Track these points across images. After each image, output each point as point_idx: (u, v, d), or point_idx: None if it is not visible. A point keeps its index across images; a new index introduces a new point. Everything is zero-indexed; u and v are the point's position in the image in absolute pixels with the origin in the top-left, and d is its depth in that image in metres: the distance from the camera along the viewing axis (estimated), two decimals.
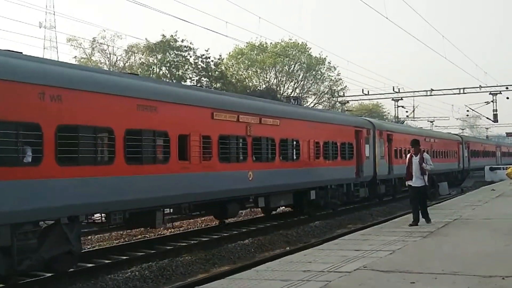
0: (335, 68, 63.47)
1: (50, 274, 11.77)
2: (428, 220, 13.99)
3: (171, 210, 16.76)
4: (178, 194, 14.29)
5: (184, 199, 14.84)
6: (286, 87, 61.31)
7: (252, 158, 17.39)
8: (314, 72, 62.41)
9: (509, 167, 42.53)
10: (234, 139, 16.78)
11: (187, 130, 14.52)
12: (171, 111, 14.14)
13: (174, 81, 42.57)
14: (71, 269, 12.20)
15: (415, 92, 51.91)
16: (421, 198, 14.04)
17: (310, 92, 63.79)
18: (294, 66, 61.00)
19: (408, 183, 14.09)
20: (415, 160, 13.72)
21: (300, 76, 61.97)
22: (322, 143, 22.07)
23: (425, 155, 13.92)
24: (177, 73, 48.24)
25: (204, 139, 15.16)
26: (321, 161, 21.88)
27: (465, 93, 48.34)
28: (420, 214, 13.94)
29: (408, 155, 14.13)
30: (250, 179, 17.11)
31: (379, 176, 27.94)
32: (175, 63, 48.89)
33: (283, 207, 23.49)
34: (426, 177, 13.79)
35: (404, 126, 45.93)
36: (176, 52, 48.69)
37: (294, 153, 20.27)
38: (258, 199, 18.37)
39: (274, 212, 23.02)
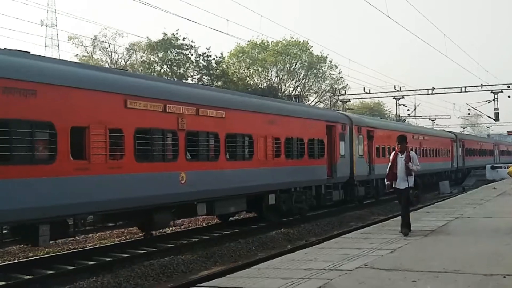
0: (336, 67, 63.57)
1: (51, 272, 11.80)
2: (405, 228, 11.93)
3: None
4: (72, 203, 11.30)
5: (80, 209, 11.69)
6: (287, 85, 61.35)
7: (185, 156, 14.48)
8: (315, 71, 62.42)
9: (511, 166, 42.54)
10: (158, 133, 13.72)
11: (85, 121, 11.63)
12: (59, 97, 11.15)
13: (175, 79, 42.54)
14: (72, 267, 12.22)
15: (416, 91, 51.94)
16: (404, 202, 12.09)
17: (311, 91, 63.85)
18: (296, 64, 60.99)
19: (388, 183, 12.22)
20: (401, 158, 11.93)
21: (302, 75, 61.98)
22: (284, 140, 19.20)
23: (412, 153, 12.13)
24: (178, 71, 48.26)
25: (113, 133, 12.24)
26: (282, 160, 19.04)
27: (467, 91, 48.34)
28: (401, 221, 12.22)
29: (393, 153, 12.35)
30: (182, 182, 14.21)
31: (357, 177, 25.43)
32: (177, 61, 48.91)
33: (241, 214, 21.21)
34: (411, 179, 11.92)
35: (388, 121, 42.77)
36: (178, 51, 48.72)
37: (246, 151, 17.46)
38: (198, 205, 15.38)
39: (232, 219, 20.88)
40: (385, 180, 12.33)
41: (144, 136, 13.08)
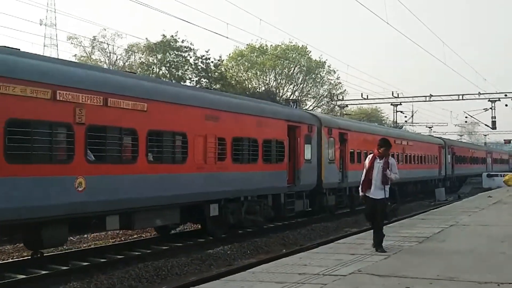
0: (334, 72, 63.59)
1: (45, 272, 11.77)
2: (379, 245, 10.48)
3: None
4: None
5: None
6: (285, 89, 61.37)
7: (85, 157, 11.62)
8: (313, 75, 62.47)
9: (507, 174, 42.68)
10: (43, 127, 10.85)
11: None
12: None
13: (173, 81, 42.54)
14: (67, 267, 12.19)
15: (414, 98, 52.01)
16: (379, 216, 10.51)
17: (309, 95, 63.87)
18: (294, 69, 61.04)
19: (362, 193, 10.63)
20: (378, 164, 10.36)
21: (300, 79, 62.03)
22: (231, 140, 16.43)
23: (391, 160, 10.61)
24: (176, 73, 48.26)
25: None
26: (227, 164, 16.27)
27: (464, 99, 48.43)
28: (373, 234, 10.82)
29: (370, 157, 10.68)
30: (80, 189, 11.43)
31: (327, 185, 22.80)
32: (175, 64, 48.91)
33: (185, 226, 19.49)
34: (387, 188, 10.39)
35: (365, 123, 38.26)
36: (176, 53, 48.71)
37: (178, 152, 14.63)
38: (107, 218, 12.54)
39: (173, 232, 18.35)
40: (360, 188, 10.68)
41: (21, 130, 10.40)
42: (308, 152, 21.20)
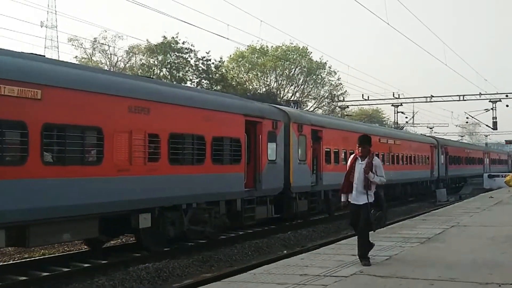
0: (335, 73, 63.65)
1: (46, 274, 11.77)
2: (365, 258, 9.16)
3: None
4: None
5: None
6: (286, 90, 61.40)
7: None
8: (314, 77, 62.49)
9: (508, 175, 42.66)
10: None
11: None
12: None
13: (174, 82, 42.56)
14: (68, 269, 12.19)
15: (415, 98, 52.06)
16: (362, 223, 9.10)
17: (310, 96, 63.88)
18: (295, 70, 61.08)
19: (344, 199, 9.39)
20: (360, 165, 9.08)
21: (301, 80, 62.05)
22: (167, 137, 13.73)
23: (376, 160, 9.24)
24: (177, 74, 48.28)
25: None
26: (162, 165, 13.61)
27: (465, 100, 48.49)
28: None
29: (351, 157, 9.45)
30: None
31: (297, 188, 20.15)
32: (176, 65, 48.93)
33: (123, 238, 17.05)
34: (371, 193, 9.10)
35: (344, 120, 34.34)
36: (177, 54, 48.75)
37: (88, 151, 12.10)
38: None
39: (110, 244, 15.85)
40: (340, 191, 9.47)
41: None
42: (272, 152, 18.62)
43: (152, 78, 34.01)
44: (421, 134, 51.66)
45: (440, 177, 41.79)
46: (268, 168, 18.33)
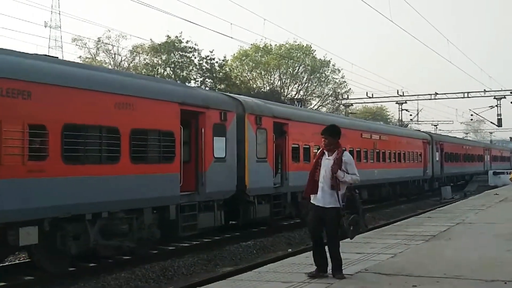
0: (339, 71, 63.52)
1: (51, 273, 11.79)
2: (338, 271, 7.78)
3: None
4: None
5: None
6: (290, 89, 61.33)
7: None
8: (318, 75, 62.41)
9: None
10: None
11: None
12: None
13: (178, 81, 42.60)
14: (73, 268, 12.22)
15: (419, 96, 51.98)
16: (330, 230, 7.76)
17: (314, 95, 63.80)
18: (299, 68, 61.00)
19: (311, 199, 7.92)
20: (327, 161, 7.74)
21: (304, 78, 61.97)
22: (60, 130, 10.94)
23: (346, 156, 7.86)
24: (181, 74, 48.32)
25: None
26: (52, 165, 10.80)
27: (470, 97, 48.35)
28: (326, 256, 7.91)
29: (318, 153, 8.20)
30: None
31: (254, 190, 17.35)
32: (180, 64, 48.97)
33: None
34: (341, 194, 7.65)
35: (316, 112, 29.86)
36: (181, 53, 48.78)
37: None
38: None
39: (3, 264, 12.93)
40: (304, 192, 8.11)
41: None
42: (220, 148, 15.83)
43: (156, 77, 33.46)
44: (416, 129, 49.27)
45: (435, 175, 39.01)
46: (214, 168, 15.44)
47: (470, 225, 14.55)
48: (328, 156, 7.77)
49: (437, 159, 39.69)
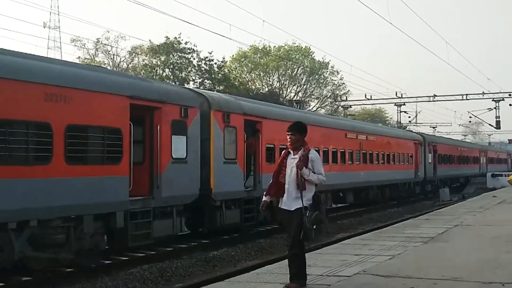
0: (338, 73, 63.67)
1: (49, 274, 11.78)
2: (299, 277, 7.22)
3: None
4: None
5: None
6: (289, 90, 61.46)
7: None
8: (317, 76, 62.53)
9: (511, 174, 42.64)
10: None
11: None
12: None
13: (177, 83, 42.59)
14: (71, 269, 12.22)
15: (418, 98, 52.02)
16: (293, 231, 7.04)
17: (313, 96, 63.93)
18: (297, 69, 61.10)
19: (265, 198, 7.42)
20: (292, 160, 7.16)
21: (303, 80, 62.07)
22: None
23: (313, 153, 7.21)
24: (180, 75, 48.36)
25: None
26: None
27: (468, 99, 48.42)
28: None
29: (283, 152, 7.52)
30: None
31: (221, 195, 15.92)
32: (179, 65, 49.03)
33: None
34: (308, 195, 7.06)
35: (294, 109, 25.95)
36: (180, 54, 48.85)
37: None
38: None
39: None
40: (264, 194, 7.49)
41: None
42: (180, 148, 14.38)
43: (155, 78, 33.40)
44: (407, 130, 47.55)
45: (427, 178, 37.79)
46: (172, 169, 13.99)
47: (468, 227, 14.56)
48: (294, 155, 7.20)
49: (430, 161, 38.55)
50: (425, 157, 37.29)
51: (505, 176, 45.05)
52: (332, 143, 23.58)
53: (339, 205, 27.61)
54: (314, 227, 6.95)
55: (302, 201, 6.95)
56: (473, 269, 8.57)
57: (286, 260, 9.19)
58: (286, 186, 7.10)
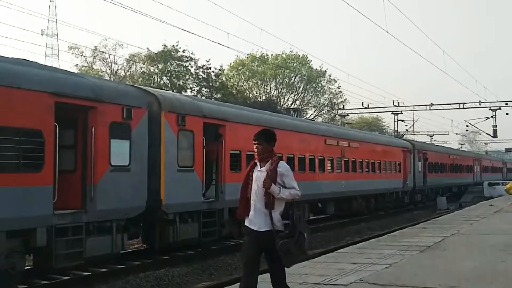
0: (335, 81, 63.83)
1: (45, 282, 11.74)
2: None
3: None
4: None
5: None
6: (286, 98, 61.51)
7: None
8: (314, 85, 62.64)
9: (508, 183, 42.71)
10: None
11: None
12: None
13: (175, 91, 42.63)
14: (67, 277, 12.17)
15: (415, 106, 52.12)
16: (274, 257, 5.92)
17: (310, 104, 64.03)
18: (295, 78, 61.23)
19: (245, 222, 6.19)
20: (260, 174, 6.14)
21: (301, 88, 62.17)
22: None
23: (282, 166, 6.14)
24: (177, 83, 48.41)
25: None
26: None
27: (465, 108, 48.53)
28: None
29: (250, 164, 6.47)
30: None
31: (175, 207, 14.03)
32: (176, 73, 49.07)
33: None
34: (278, 214, 5.96)
35: (264, 112, 21.96)
36: (177, 62, 48.91)
37: None
38: None
39: None
40: (238, 213, 6.40)
41: None
42: (121, 154, 12.48)
43: (152, 86, 33.32)
44: (393, 136, 45.44)
45: (417, 187, 36.20)
46: (111, 178, 12.14)
47: (465, 236, 14.57)
48: (261, 167, 6.17)
49: (420, 169, 37.10)
50: (414, 165, 35.87)
51: (502, 185, 45.14)
52: (309, 150, 21.98)
53: (319, 216, 26.10)
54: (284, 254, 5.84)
55: (272, 222, 5.89)
56: (469, 277, 8.57)
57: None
58: (253, 202, 6.08)
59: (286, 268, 6.06)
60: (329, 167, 24.14)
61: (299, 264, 10.54)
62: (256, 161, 6.32)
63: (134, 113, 12.88)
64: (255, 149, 6.27)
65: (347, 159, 25.70)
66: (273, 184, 5.97)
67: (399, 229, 18.64)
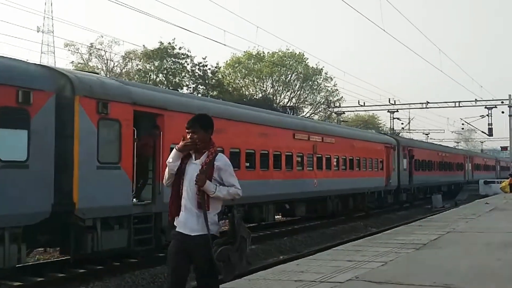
0: (331, 79, 63.86)
1: (40, 279, 11.72)
2: None
3: None
4: None
5: None
6: (282, 96, 61.56)
7: None
8: (310, 82, 62.69)
9: (503, 181, 42.86)
10: None
11: None
12: None
13: (171, 88, 42.56)
14: (63, 274, 12.14)
15: (411, 105, 52.26)
16: (201, 269, 5.06)
17: (306, 102, 64.08)
18: (291, 76, 61.24)
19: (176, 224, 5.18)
20: (194, 167, 5.10)
21: (297, 86, 62.21)
22: None
23: (220, 159, 5.16)
24: (174, 80, 48.35)
25: None
26: None
27: (461, 106, 48.71)
28: None
29: (182, 155, 5.25)
30: None
31: (93, 211, 11.87)
32: (172, 70, 49.02)
33: None
34: (213, 216, 5.06)
35: (213, 100, 22.17)
36: (174, 60, 48.86)
37: None
38: None
39: None
40: (169, 215, 5.26)
41: None
42: (13, 146, 10.48)
43: (149, 83, 33.25)
44: (373, 131, 42.61)
45: (402, 186, 33.94)
46: (1, 177, 10.15)
47: (460, 234, 14.58)
48: (195, 160, 5.16)
49: (405, 167, 34.60)
50: (399, 162, 33.49)
51: (498, 183, 45.30)
52: (273, 145, 19.72)
53: (286, 218, 24.49)
54: (222, 264, 4.97)
55: (207, 226, 4.95)
56: (465, 275, 8.57)
57: (279, 266, 9.16)
58: (184, 201, 5.09)
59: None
60: (299, 165, 22.09)
61: (295, 262, 10.57)
62: (190, 152, 5.24)
63: (35, 97, 10.59)
64: (189, 138, 5.21)
65: (320, 156, 23.54)
66: (207, 181, 5.02)
67: (394, 227, 18.67)
